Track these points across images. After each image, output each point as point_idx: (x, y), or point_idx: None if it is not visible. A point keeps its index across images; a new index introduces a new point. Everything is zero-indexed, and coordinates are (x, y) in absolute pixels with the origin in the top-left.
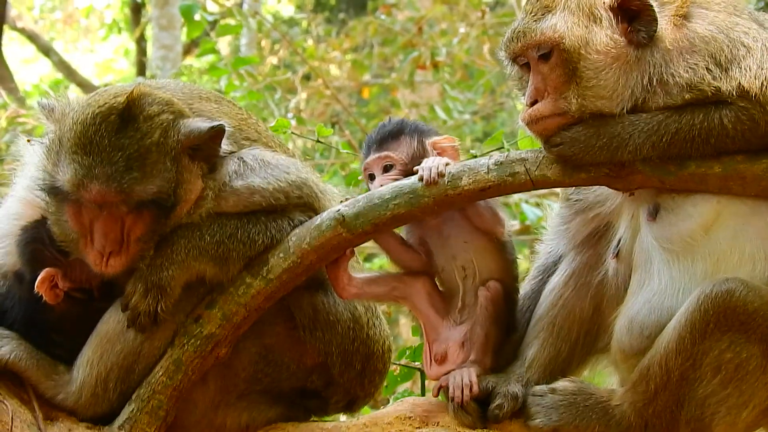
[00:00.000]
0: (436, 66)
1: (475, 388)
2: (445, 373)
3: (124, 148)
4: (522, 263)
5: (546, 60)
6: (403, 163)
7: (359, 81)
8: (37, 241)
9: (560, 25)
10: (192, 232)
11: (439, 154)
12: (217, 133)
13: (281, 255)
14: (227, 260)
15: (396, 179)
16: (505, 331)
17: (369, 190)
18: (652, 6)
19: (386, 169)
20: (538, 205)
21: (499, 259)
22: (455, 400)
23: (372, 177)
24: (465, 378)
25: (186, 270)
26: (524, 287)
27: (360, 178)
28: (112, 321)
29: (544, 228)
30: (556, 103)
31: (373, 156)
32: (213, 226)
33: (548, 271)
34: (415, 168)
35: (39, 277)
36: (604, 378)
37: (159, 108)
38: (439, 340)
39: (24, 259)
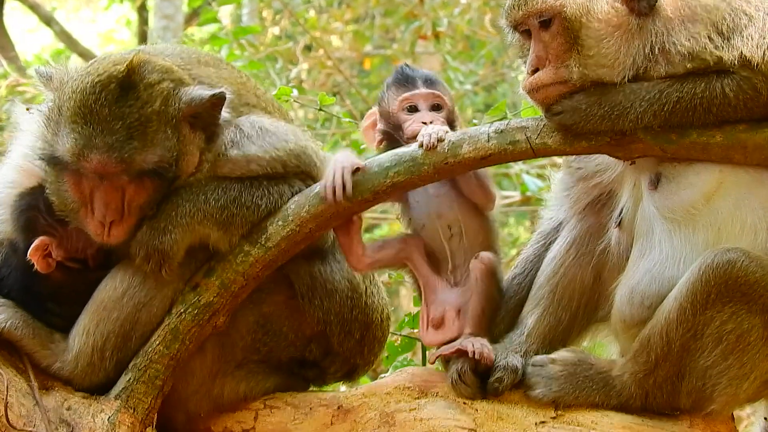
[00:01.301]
0: (437, 37)
1: (491, 356)
2: (442, 342)
3: (125, 117)
4: (523, 234)
5: (547, 28)
6: (449, 109)
7: (361, 52)
8: (32, 209)
9: None
10: (196, 196)
11: None
12: (218, 100)
13: (280, 223)
14: (231, 225)
15: (441, 122)
16: (499, 303)
17: (398, 126)
18: None
19: (433, 107)
20: (539, 176)
21: (484, 223)
22: (475, 354)
23: (413, 109)
24: (477, 343)
25: (190, 234)
26: (525, 251)
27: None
28: (108, 289)
29: (547, 196)
30: (558, 71)
31: (424, 90)
32: (217, 190)
33: (550, 237)
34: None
35: (32, 245)
36: (604, 348)
37: (159, 76)
38: (436, 302)
39: (18, 227)
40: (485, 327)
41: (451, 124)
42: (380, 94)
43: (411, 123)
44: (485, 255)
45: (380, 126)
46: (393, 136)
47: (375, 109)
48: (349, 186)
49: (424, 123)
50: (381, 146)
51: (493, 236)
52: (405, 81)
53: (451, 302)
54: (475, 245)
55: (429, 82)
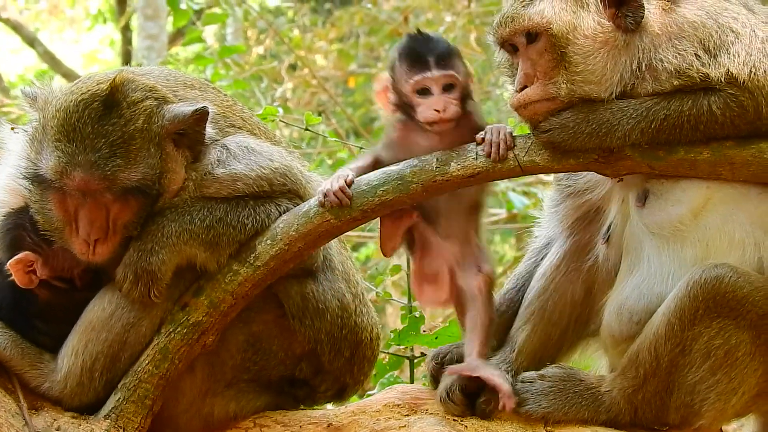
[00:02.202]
0: None
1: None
2: (437, 303)
3: (108, 135)
4: (508, 252)
5: (534, 45)
6: (463, 86)
7: (345, 70)
8: (18, 228)
9: (548, 10)
10: (182, 216)
11: None
12: (201, 116)
13: (269, 242)
14: (218, 245)
15: (454, 103)
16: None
17: (410, 105)
18: None
19: (446, 88)
20: (525, 193)
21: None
22: (507, 397)
23: (425, 92)
24: (507, 384)
25: (177, 254)
26: (518, 268)
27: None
28: (97, 310)
29: (536, 214)
30: (545, 87)
31: (435, 72)
32: (203, 211)
33: (540, 254)
34: (478, 136)
35: (14, 258)
36: (593, 363)
37: (142, 94)
38: (429, 257)
39: (4, 246)
40: (488, 341)
41: (465, 99)
42: (391, 62)
43: (424, 109)
44: (487, 268)
45: (393, 98)
46: (406, 110)
47: (387, 74)
48: (348, 192)
49: (437, 111)
50: (396, 114)
51: (481, 213)
52: (417, 59)
53: (443, 256)
54: (462, 209)
55: (442, 61)
